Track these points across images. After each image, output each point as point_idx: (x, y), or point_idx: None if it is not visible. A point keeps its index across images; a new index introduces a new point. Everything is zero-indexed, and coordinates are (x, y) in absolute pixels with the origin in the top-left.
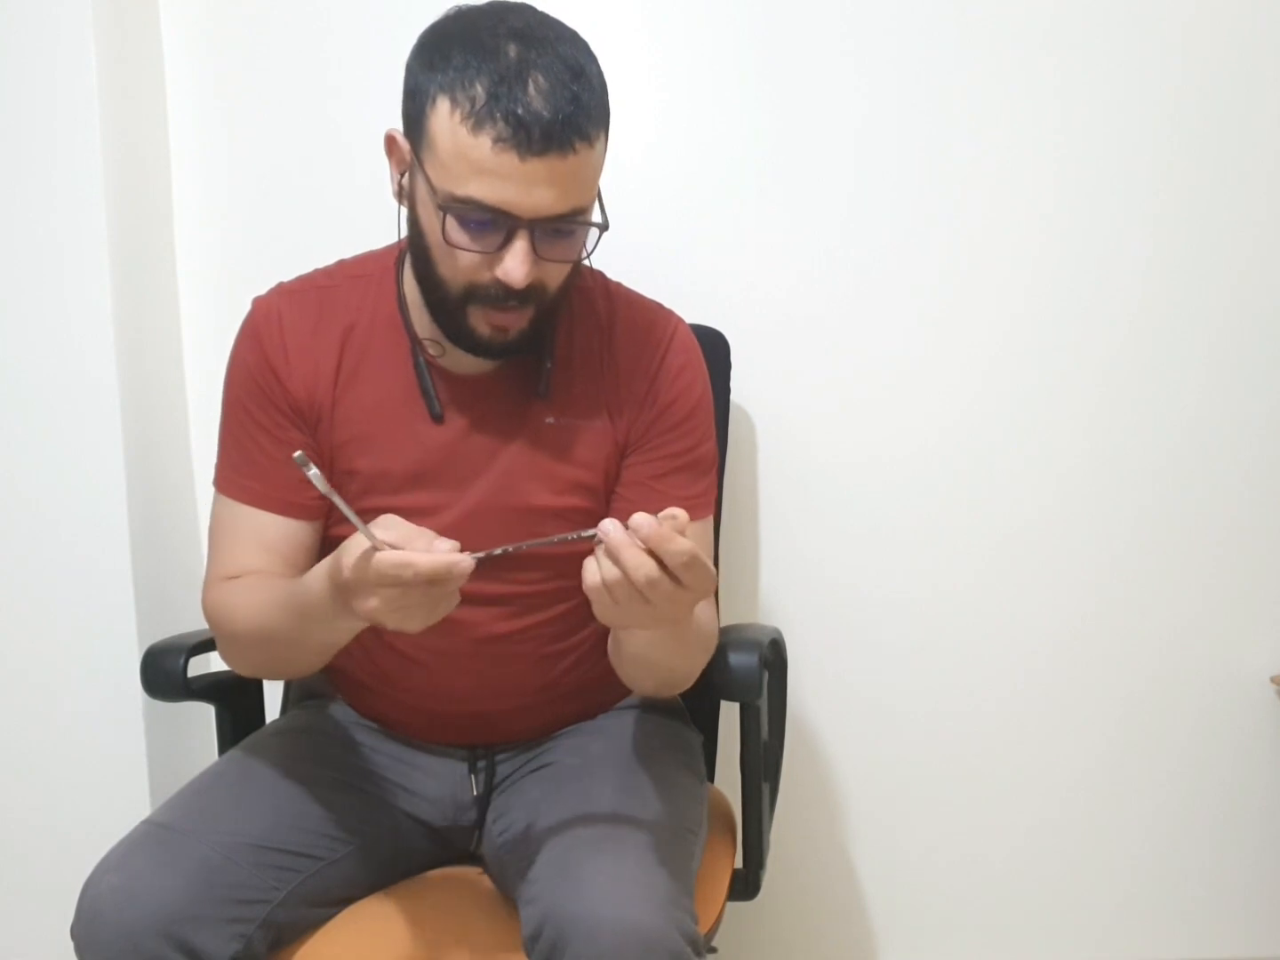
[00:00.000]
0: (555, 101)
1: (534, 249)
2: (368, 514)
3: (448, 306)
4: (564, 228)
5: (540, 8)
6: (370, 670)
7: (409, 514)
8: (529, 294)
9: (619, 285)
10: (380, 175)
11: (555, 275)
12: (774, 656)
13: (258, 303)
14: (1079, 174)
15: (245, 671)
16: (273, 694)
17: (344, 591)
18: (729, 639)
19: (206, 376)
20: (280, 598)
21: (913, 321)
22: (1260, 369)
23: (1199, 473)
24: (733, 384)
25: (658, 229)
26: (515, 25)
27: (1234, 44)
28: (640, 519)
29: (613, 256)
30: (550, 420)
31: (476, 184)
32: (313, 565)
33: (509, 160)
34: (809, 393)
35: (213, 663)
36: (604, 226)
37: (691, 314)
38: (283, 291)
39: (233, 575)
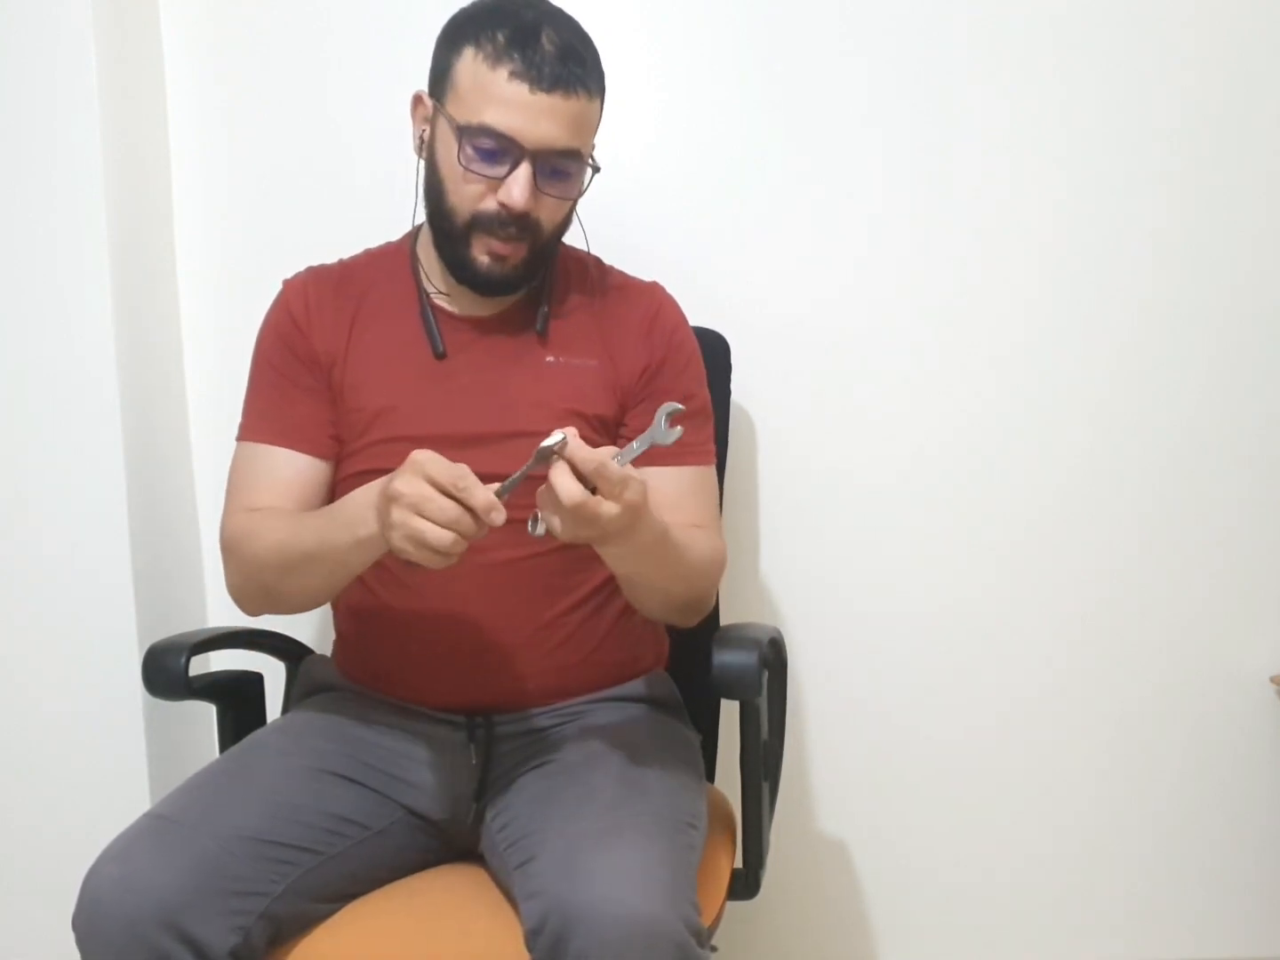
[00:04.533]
0: (564, 52)
1: (535, 179)
2: (376, 446)
3: (454, 236)
4: (562, 166)
5: None
6: (372, 605)
7: (414, 443)
8: (526, 224)
9: (611, 266)
10: (380, 175)
11: (551, 214)
12: (774, 655)
13: (288, 280)
14: (1082, 176)
15: (251, 599)
16: (274, 694)
17: (391, 483)
18: (728, 637)
19: (206, 376)
20: (309, 516)
21: (913, 322)
22: (1259, 371)
23: (1199, 475)
24: (733, 385)
25: (658, 231)
26: (532, 1)
27: (1236, 45)
28: (569, 444)
29: (614, 258)
30: (550, 359)
31: (490, 112)
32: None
33: (520, 91)
34: (809, 394)
35: (213, 662)
36: (597, 168)
37: (692, 316)
38: (310, 270)
39: (252, 508)
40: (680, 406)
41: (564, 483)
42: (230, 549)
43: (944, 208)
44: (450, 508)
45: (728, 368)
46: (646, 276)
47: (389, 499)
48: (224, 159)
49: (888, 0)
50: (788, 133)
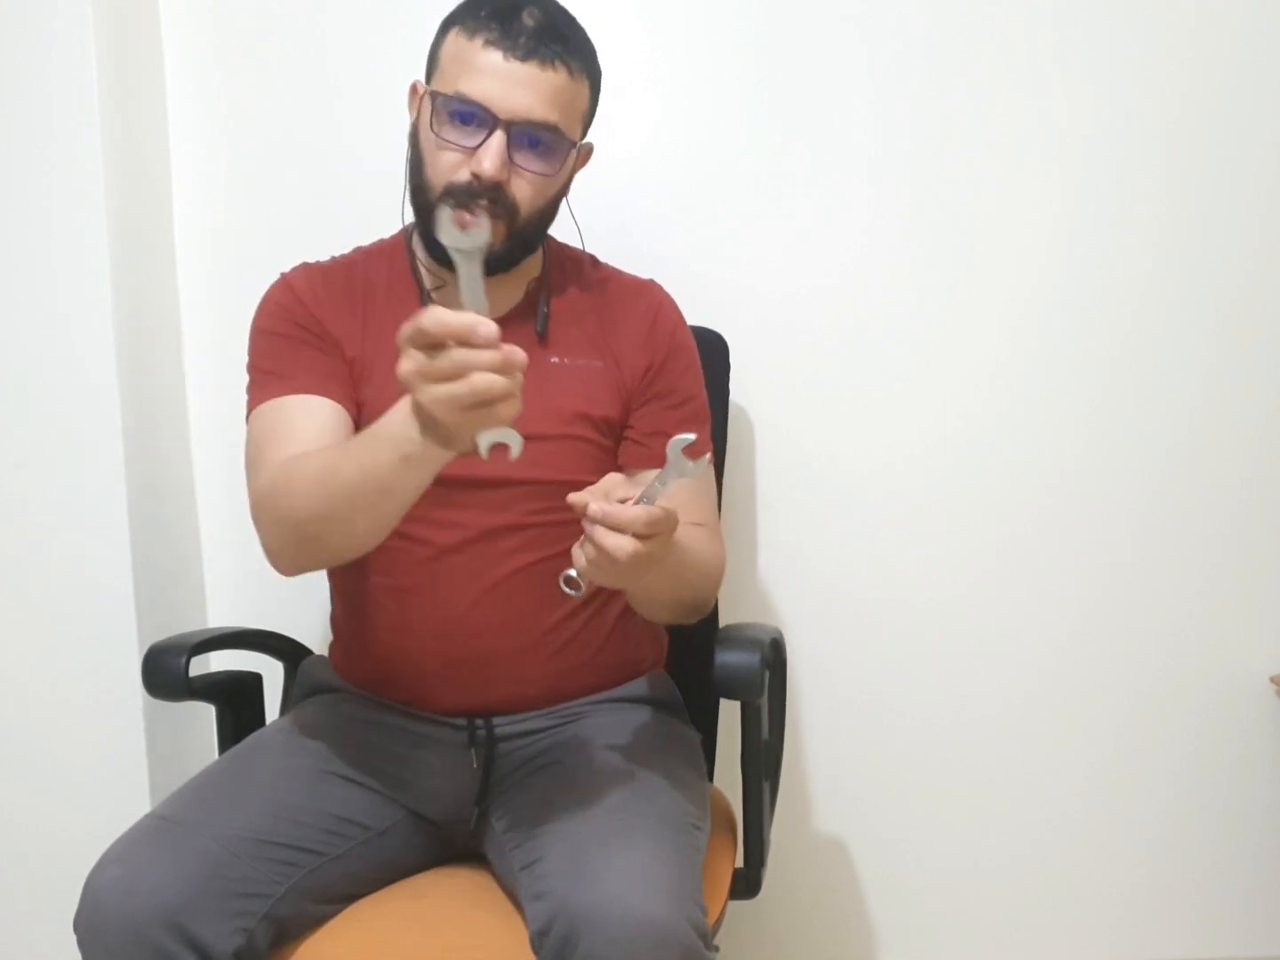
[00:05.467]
0: (544, 27)
1: (508, 150)
2: None
3: (429, 209)
4: (538, 136)
5: None
6: (372, 610)
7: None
8: (499, 197)
9: (606, 263)
10: (382, 176)
11: (527, 191)
12: (774, 656)
13: (285, 273)
14: (1080, 174)
15: (290, 553)
16: (273, 695)
17: (399, 374)
18: (731, 638)
19: (206, 376)
20: (347, 445)
21: (912, 322)
22: (1259, 371)
23: (1199, 473)
24: (731, 385)
25: (656, 229)
26: None
27: (1235, 43)
28: (593, 509)
29: (612, 256)
30: (555, 360)
31: (466, 81)
32: None
33: (494, 59)
34: (807, 393)
35: (213, 663)
36: (573, 144)
37: (691, 316)
38: (306, 265)
39: (286, 458)
40: (692, 438)
41: (614, 542)
42: (266, 499)
43: (943, 208)
44: (452, 357)
45: (726, 367)
46: (645, 275)
47: (406, 387)
48: (224, 159)
49: (891, 2)
50: (787, 132)
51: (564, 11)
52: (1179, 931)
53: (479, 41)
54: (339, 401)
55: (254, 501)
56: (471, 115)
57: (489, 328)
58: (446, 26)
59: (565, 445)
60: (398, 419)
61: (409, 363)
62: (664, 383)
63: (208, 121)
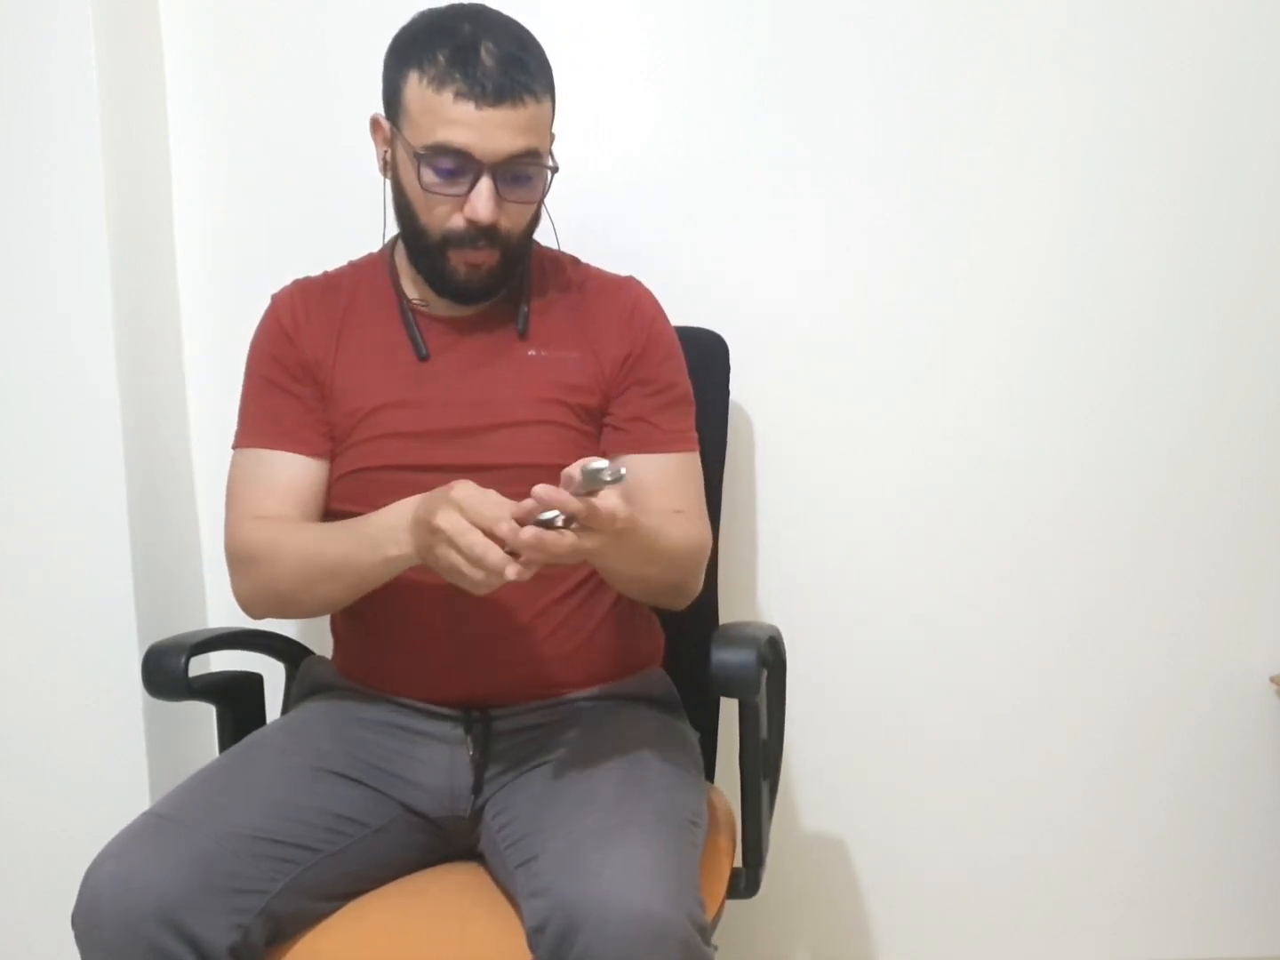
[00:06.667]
0: (505, 62)
1: (496, 189)
2: (365, 444)
3: (431, 255)
4: (521, 171)
5: (546, 6)
6: (367, 601)
7: (400, 439)
8: (495, 234)
9: (587, 263)
10: (381, 176)
11: (517, 218)
12: (773, 654)
13: (276, 294)
14: (1082, 178)
15: (263, 606)
16: (274, 694)
17: (428, 516)
18: (727, 635)
19: (206, 378)
20: (331, 531)
21: (911, 323)
22: (1259, 372)
23: (1198, 474)
24: (732, 385)
25: (657, 232)
26: (468, 12)
27: (1235, 43)
28: (525, 508)
29: (611, 258)
30: (532, 353)
31: (442, 133)
32: (320, 511)
33: (467, 110)
34: (807, 395)
35: (213, 663)
36: (555, 168)
37: (691, 317)
38: (296, 283)
39: (257, 516)
40: (604, 464)
41: (556, 541)
42: (245, 561)
43: (943, 208)
44: (475, 549)
45: (726, 368)
46: (646, 277)
47: (432, 531)
48: (224, 159)
49: (892, 3)
50: (787, 132)
51: (513, 29)
52: (1179, 931)
53: (448, 95)
54: (310, 453)
55: (231, 553)
56: (456, 167)
57: (513, 575)
58: (402, 65)
59: (543, 430)
60: (389, 523)
61: (451, 523)
62: (643, 371)
63: (208, 121)
